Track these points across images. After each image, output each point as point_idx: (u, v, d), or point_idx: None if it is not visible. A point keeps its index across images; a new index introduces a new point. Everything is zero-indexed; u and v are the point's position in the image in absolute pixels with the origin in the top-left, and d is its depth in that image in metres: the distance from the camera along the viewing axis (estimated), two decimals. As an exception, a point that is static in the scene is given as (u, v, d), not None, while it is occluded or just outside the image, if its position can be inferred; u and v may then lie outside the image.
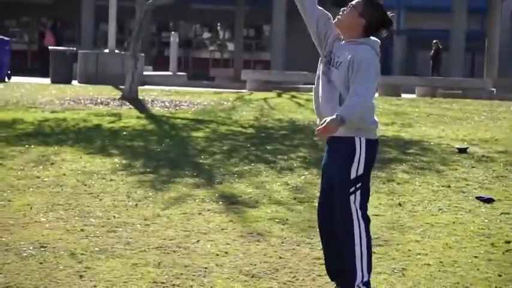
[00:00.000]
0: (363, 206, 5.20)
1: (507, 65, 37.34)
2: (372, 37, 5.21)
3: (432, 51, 34.65)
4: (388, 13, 5.21)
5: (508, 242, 6.91)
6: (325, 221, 5.42)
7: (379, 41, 5.25)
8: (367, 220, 5.22)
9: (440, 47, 33.86)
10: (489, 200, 8.53)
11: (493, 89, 27.63)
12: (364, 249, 5.17)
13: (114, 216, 7.62)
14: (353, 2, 5.21)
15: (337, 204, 5.23)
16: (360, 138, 5.12)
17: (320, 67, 5.29)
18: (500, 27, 39.41)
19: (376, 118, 5.26)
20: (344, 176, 5.14)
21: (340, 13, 5.25)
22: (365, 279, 5.18)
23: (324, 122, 4.89)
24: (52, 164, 10.14)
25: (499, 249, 6.71)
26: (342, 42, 5.23)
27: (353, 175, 5.13)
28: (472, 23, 42.56)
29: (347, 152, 5.13)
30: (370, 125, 5.17)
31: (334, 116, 4.88)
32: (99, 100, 17.50)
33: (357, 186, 5.14)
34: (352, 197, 5.15)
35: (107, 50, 26.16)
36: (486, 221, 7.72)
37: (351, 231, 5.16)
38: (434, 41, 34.36)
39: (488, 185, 9.38)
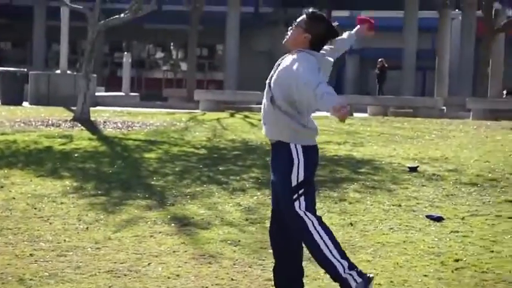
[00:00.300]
0: (310, 209, 5.24)
1: (457, 84, 37.81)
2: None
3: (377, 70, 35.02)
4: (334, 24, 5.28)
5: (457, 261, 6.98)
6: (277, 242, 5.45)
7: (327, 59, 5.29)
8: (318, 217, 5.26)
9: (386, 65, 34.24)
10: (439, 219, 8.62)
11: (444, 108, 27.97)
12: (328, 241, 5.21)
13: (64, 240, 7.55)
14: (297, 20, 5.29)
15: (285, 216, 5.25)
16: (295, 144, 5.19)
17: None
18: (450, 46, 39.95)
19: (314, 123, 5.26)
20: (285, 185, 5.21)
21: (288, 33, 5.31)
22: (345, 265, 5.21)
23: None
24: (1, 187, 10.02)
25: (449, 268, 6.77)
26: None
27: (294, 182, 5.20)
28: (423, 42, 43.10)
29: (284, 161, 5.20)
30: (305, 129, 5.18)
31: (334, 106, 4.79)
32: (50, 122, 17.36)
33: (300, 192, 5.20)
34: (296, 203, 5.21)
35: (58, 71, 26.00)
36: (436, 239, 7.79)
37: (308, 234, 5.20)
38: (379, 60, 34.72)
39: (438, 204, 9.48)
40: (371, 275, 5.25)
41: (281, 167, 5.22)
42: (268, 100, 5.23)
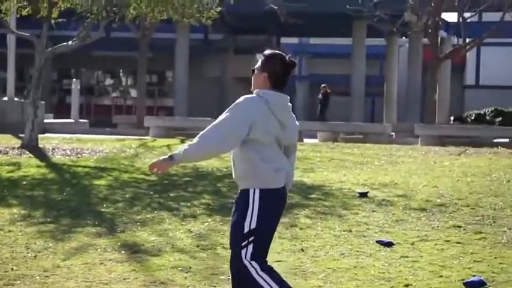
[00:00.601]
0: (256, 258, 5.09)
1: (405, 110, 38.27)
2: (277, 92, 5.23)
3: (320, 95, 35.31)
4: (288, 56, 5.32)
5: (407, 286, 7.02)
6: None
7: (280, 94, 5.26)
8: (267, 269, 5.13)
9: (328, 91, 34.56)
10: (389, 244, 8.68)
11: (392, 134, 28.25)
12: (274, 285, 5.07)
13: (12, 269, 7.43)
14: (255, 66, 5.36)
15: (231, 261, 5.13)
16: (254, 189, 5.09)
17: None
18: (398, 73, 40.45)
19: (276, 165, 5.12)
20: (237, 230, 5.11)
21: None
22: None
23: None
24: None
25: (399, 293, 6.81)
26: None
27: (246, 229, 5.09)
28: (372, 68, 43.57)
29: (242, 205, 5.10)
30: (265, 171, 5.06)
31: (167, 156, 5.05)
32: (-3, 149, 17.13)
33: (250, 240, 5.08)
34: (243, 251, 5.10)
35: (5, 98, 25.71)
36: (386, 264, 7.83)
37: (253, 282, 5.07)
38: (322, 85, 34.99)
39: (388, 229, 9.55)
40: None
41: (237, 212, 5.19)
42: None
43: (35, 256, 7.96)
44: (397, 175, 14.11)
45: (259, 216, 5.04)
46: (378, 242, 8.79)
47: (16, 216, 9.92)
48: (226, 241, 8.70)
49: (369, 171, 14.86)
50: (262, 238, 5.10)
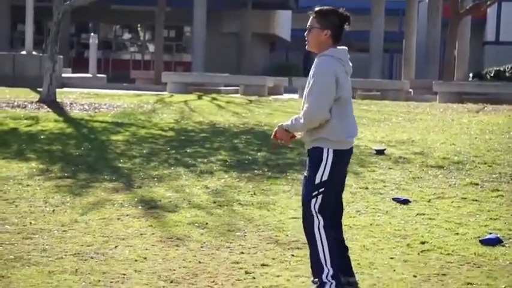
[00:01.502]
0: (322, 211, 5.37)
1: (424, 67, 38.00)
2: (338, 47, 5.38)
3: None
4: (340, 10, 5.39)
5: (423, 243, 7.03)
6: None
7: (344, 48, 5.40)
8: (327, 227, 5.38)
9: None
10: (405, 202, 8.68)
11: (411, 90, 28.11)
12: (325, 245, 5.35)
13: (30, 223, 7.50)
14: (309, 24, 5.39)
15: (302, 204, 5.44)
16: (328, 149, 5.33)
17: None
18: (417, 30, 40.12)
19: (348, 131, 5.37)
20: (310, 180, 5.38)
21: (306, 39, 5.42)
22: (330, 272, 5.36)
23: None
24: (-34, 169, 9.93)
25: (415, 250, 6.82)
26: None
27: (317, 180, 5.34)
28: (390, 24, 43.22)
29: (315, 161, 5.36)
30: (337, 137, 5.31)
31: (280, 124, 5.47)
32: (16, 103, 17.19)
33: (320, 191, 5.35)
34: (313, 200, 5.36)
35: (24, 52, 25.71)
36: (402, 222, 7.84)
37: (311, 231, 5.37)
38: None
39: (405, 186, 9.54)
40: None
41: (311, 165, 5.44)
42: None
43: (53, 210, 8.01)
44: (415, 132, 14.06)
45: (331, 170, 5.33)
46: (394, 199, 8.79)
47: (34, 170, 9.98)
48: (243, 197, 8.76)
49: (386, 128, 14.82)
50: (331, 191, 5.38)
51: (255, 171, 10.24)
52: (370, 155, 11.59)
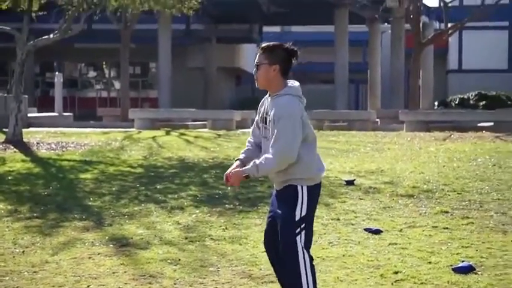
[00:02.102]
0: (307, 247, 5.34)
1: (389, 96, 38.33)
2: (293, 84, 5.35)
3: None
4: (287, 45, 5.36)
5: (396, 273, 7.04)
6: (270, 248, 5.52)
7: (297, 84, 5.38)
8: (313, 267, 5.37)
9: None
10: (377, 232, 8.69)
11: (377, 120, 28.31)
12: (311, 284, 5.31)
13: (0, 265, 7.40)
14: (256, 60, 5.35)
15: (282, 244, 5.33)
16: (301, 186, 5.31)
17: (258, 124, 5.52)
18: (381, 59, 40.50)
19: (318, 166, 5.35)
20: (288, 219, 5.29)
21: (255, 77, 5.38)
22: None
23: (231, 171, 5.27)
24: None
25: (388, 280, 6.82)
26: (269, 98, 5.39)
27: (297, 217, 5.29)
28: (355, 55, 43.60)
29: (290, 199, 5.31)
30: (309, 174, 5.31)
31: (241, 170, 5.25)
32: (-18, 144, 17.05)
33: (302, 227, 5.30)
34: (298, 238, 5.30)
35: (-12, 92, 25.56)
36: (375, 252, 7.85)
37: (298, 271, 5.29)
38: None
39: (376, 216, 9.56)
40: None
41: (287, 203, 5.35)
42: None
43: (23, 252, 7.92)
44: (383, 162, 14.14)
45: (308, 205, 5.30)
46: (366, 229, 8.80)
47: (2, 211, 9.88)
48: (215, 232, 8.72)
49: (355, 158, 14.89)
50: (310, 225, 5.37)
51: (226, 205, 10.22)
52: (340, 185, 11.61)
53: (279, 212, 5.34)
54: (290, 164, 5.24)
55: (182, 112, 27.95)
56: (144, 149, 16.55)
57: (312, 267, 5.35)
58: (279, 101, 5.26)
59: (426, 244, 8.15)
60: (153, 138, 19.16)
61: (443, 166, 13.38)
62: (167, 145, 17.39)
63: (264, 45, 5.36)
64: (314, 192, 5.38)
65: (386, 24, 42.00)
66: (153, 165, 13.85)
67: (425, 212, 9.77)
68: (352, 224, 9.12)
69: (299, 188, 5.30)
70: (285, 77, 5.34)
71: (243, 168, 5.28)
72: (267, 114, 5.37)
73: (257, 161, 5.24)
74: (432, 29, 38.75)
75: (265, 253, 7.73)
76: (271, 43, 5.37)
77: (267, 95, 5.43)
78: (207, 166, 13.75)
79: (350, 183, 11.70)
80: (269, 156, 5.22)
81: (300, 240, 5.29)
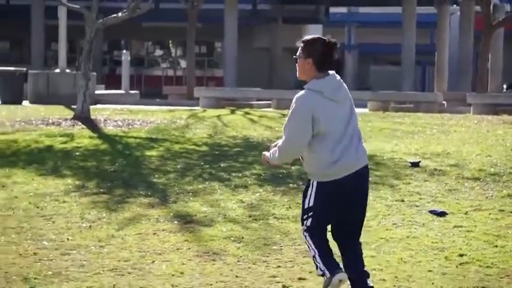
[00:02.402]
0: (310, 230, 5.56)
1: (456, 79, 37.78)
2: (325, 77, 5.44)
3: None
4: (327, 37, 5.48)
5: (461, 255, 6.97)
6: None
7: (328, 78, 5.45)
8: (312, 233, 5.57)
9: (341, 60, 34.19)
10: (442, 214, 8.61)
11: (444, 102, 27.95)
12: (317, 256, 5.53)
13: (67, 239, 7.54)
14: (297, 53, 5.52)
15: None
16: (313, 181, 5.55)
17: None
18: (449, 41, 39.93)
19: (335, 160, 5.43)
20: (302, 205, 5.63)
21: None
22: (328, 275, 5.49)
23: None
24: (3, 186, 10.01)
25: (453, 263, 6.76)
26: None
27: (305, 206, 5.57)
28: (422, 37, 43.05)
29: (305, 188, 5.63)
30: (320, 171, 5.48)
31: (265, 153, 5.71)
32: (50, 120, 17.33)
33: (309, 214, 5.55)
34: (304, 222, 5.58)
35: (58, 70, 25.94)
36: (440, 234, 7.78)
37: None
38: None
39: (441, 199, 9.46)
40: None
41: (303, 193, 5.70)
42: None
43: (90, 226, 8.05)
44: (450, 144, 13.96)
45: (315, 198, 5.53)
46: (430, 211, 8.73)
47: (70, 186, 10.05)
48: (278, 211, 8.74)
49: (421, 140, 14.74)
50: (318, 216, 5.54)
51: (290, 184, 10.22)
52: (405, 167, 11.52)
53: None
54: (304, 158, 5.53)
55: (247, 91, 27.98)
56: (208, 127, 16.63)
57: (313, 236, 5.55)
58: (297, 94, 5.49)
59: (492, 227, 8.05)
60: (218, 117, 19.24)
61: (511, 149, 13.16)
62: (232, 124, 17.45)
63: (303, 39, 5.52)
64: (329, 188, 5.48)
65: (455, 6, 41.35)
66: (218, 144, 13.91)
67: (491, 195, 9.64)
68: (417, 206, 9.05)
69: (311, 181, 5.58)
70: (320, 70, 5.45)
71: (266, 152, 5.70)
72: None
73: (273, 149, 5.65)
74: (503, 11, 38.00)
75: (328, 232, 7.74)
76: (310, 36, 5.51)
77: None
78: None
79: (415, 165, 11.59)
80: (279, 144, 5.59)
81: (305, 224, 5.58)
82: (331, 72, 5.50)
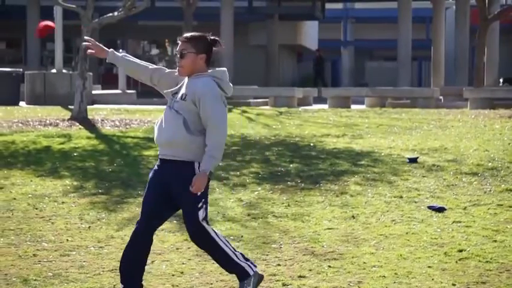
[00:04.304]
0: (206, 216, 5.68)
1: (453, 73, 37.80)
2: (217, 69, 5.65)
3: (313, 61, 35.09)
4: (208, 35, 5.63)
5: (460, 251, 6.98)
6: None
7: (223, 69, 5.68)
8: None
9: (322, 55, 34.17)
10: (441, 209, 8.62)
11: (441, 98, 27.96)
12: (232, 248, 5.68)
13: (67, 240, 7.54)
14: (181, 48, 5.60)
15: (186, 220, 5.66)
16: (198, 162, 5.56)
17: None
18: (445, 36, 39.94)
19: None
20: (192, 196, 5.52)
21: (178, 63, 5.62)
22: (253, 268, 5.67)
23: (195, 181, 5.46)
24: (1, 188, 10.01)
25: (452, 258, 6.77)
26: (187, 78, 5.64)
27: (205, 195, 5.62)
28: (418, 32, 43.06)
29: (188, 176, 5.52)
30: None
31: (200, 172, 5.48)
32: (48, 121, 17.33)
33: (203, 201, 5.61)
34: (200, 212, 5.62)
35: (54, 70, 25.92)
36: (438, 230, 7.79)
37: (210, 240, 5.66)
38: (316, 49, 34.77)
39: (440, 194, 9.48)
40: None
41: (185, 181, 5.56)
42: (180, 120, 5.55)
43: (89, 227, 8.05)
44: (447, 140, 13.98)
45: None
46: (429, 207, 8.74)
47: (68, 187, 10.05)
48: (277, 209, 8.75)
49: (418, 136, 14.75)
50: (207, 197, 5.72)
51: (288, 182, 10.23)
52: (403, 163, 11.53)
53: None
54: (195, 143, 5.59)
55: (244, 89, 27.98)
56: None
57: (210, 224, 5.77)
58: (201, 82, 5.54)
59: (491, 222, 8.06)
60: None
61: (509, 144, 13.18)
62: (229, 122, 17.36)
63: (189, 35, 5.63)
64: None
65: (450, 0, 41.35)
66: (216, 142, 13.91)
67: (490, 190, 9.65)
68: (415, 202, 9.06)
69: (196, 165, 5.61)
70: (208, 66, 5.62)
71: (205, 169, 5.52)
72: (180, 89, 5.62)
73: (207, 156, 5.51)
74: (498, 4, 38.01)
75: (328, 230, 7.76)
76: (196, 33, 5.64)
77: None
78: (269, 143, 13.77)
79: (413, 160, 11.61)
80: (209, 149, 5.55)
81: (204, 215, 5.73)
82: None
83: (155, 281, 6.20)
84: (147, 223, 5.60)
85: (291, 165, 11.44)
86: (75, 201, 9.26)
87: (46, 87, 25.28)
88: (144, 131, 15.66)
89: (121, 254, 6.98)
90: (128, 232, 7.77)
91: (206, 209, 5.65)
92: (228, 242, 5.72)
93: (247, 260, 5.72)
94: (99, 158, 12.29)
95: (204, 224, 5.62)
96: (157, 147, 5.86)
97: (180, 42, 5.62)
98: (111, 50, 5.80)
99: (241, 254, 5.74)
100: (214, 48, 5.62)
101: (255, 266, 5.74)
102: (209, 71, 5.60)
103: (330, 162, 11.61)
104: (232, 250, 5.67)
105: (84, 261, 6.78)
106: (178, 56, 5.56)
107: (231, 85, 5.73)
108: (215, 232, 5.68)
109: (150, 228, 5.62)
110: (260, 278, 5.75)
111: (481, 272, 6.37)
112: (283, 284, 6.10)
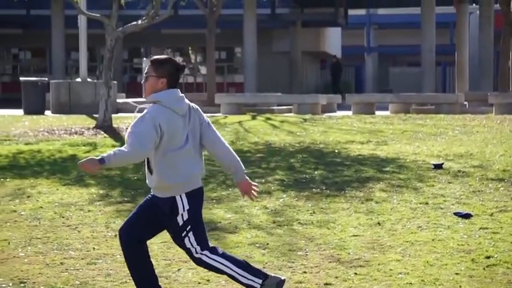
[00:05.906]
0: (200, 242, 5.61)
1: (477, 79, 37.61)
2: (164, 92, 5.60)
3: (330, 66, 34.96)
4: (176, 58, 5.56)
5: (488, 258, 6.94)
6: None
7: (173, 92, 5.65)
8: (211, 249, 5.63)
9: (339, 61, 34.04)
10: (467, 216, 8.57)
11: (465, 103, 27.82)
12: (236, 269, 5.55)
13: (93, 248, 7.57)
14: (146, 71, 5.61)
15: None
16: (180, 196, 5.62)
17: None
18: (468, 41, 39.76)
19: (190, 170, 5.85)
20: (175, 226, 5.61)
21: (143, 87, 5.65)
22: (258, 281, 5.53)
23: (85, 160, 5.41)
24: (28, 197, 10.07)
25: (480, 265, 6.73)
26: None
27: (180, 222, 5.60)
28: (442, 37, 42.89)
29: (171, 209, 5.60)
30: (179, 182, 5.65)
31: (96, 157, 5.42)
32: (73, 130, 17.43)
33: (187, 229, 5.60)
34: (186, 240, 5.60)
35: (79, 79, 26.08)
36: (465, 236, 7.75)
37: (212, 268, 5.61)
38: (333, 55, 34.68)
39: (466, 200, 9.43)
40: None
41: (168, 214, 5.70)
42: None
43: (115, 235, 8.08)
44: (472, 145, 13.91)
45: (189, 209, 5.70)
46: (455, 214, 8.69)
47: (95, 196, 10.10)
48: (302, 217, 8.75)
49: (443, 142, 14.69)
50: (198, 223, 5.73)
51: (313, 189, 10.22)
52: (428, 169, 11.48)
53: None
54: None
55: (268, 97, 28.00)
56: (230, 133, 16.66)
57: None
58: (148, 109, 5.54)
59: (518, 229, 8.00)
60: (239, 123, 19.28)
61: (535, 149, 13.10)
62: (253, 130, 17.47)
63: (153, 58, 5.62)
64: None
65: (474, 5, 41.17)
66: (240, 150, 13.93)
67: (516, 196, 9.58)
68: (441, 208, 9.02)
69: (177, 198, 5.67)
70: (171, 87, 5.60)
71: (102, 155, 5.45)
72: None
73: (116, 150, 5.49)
74: (522, 9, 37.79)
75: (353, 237, 7.74)
76: (161, 57, 5.63)
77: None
78: (294, 150, 13.77)
79: (438, 166, 11.56)
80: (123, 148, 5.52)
81: (189, 241, 5.66)
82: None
83: (181, 289, 6.21)
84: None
85: (316, 172, 11.42)
86: (101, 210, 9.30)
87: (71, 96, 25.44)
88: (169, 139, 15.72)
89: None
90: (153, 240, 7.79)
91: (196, 235, 5.61)
92: (234, 261, 5.61)
93: (254, 274, 5.58)
94: (124, 167, 12.33)
95: (204, 257, 5.60)
96: None
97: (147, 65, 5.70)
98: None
99: (246, 266, 5.60)
100: (178, 73, 5.64)
101: (264, 276, 5.58)
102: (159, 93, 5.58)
103: (354, 168, 11.59)
104: (237, 272, 5.56)
105: (110, 270, 6.80)
106: (144, 79, 5.62)
107: (182, 102, 5.70)
108: (219, 256, 5.62)
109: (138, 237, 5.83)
110: (275, 280, 5.59)
111: (509, 279, 6.32)
112: (310, 292, 6.09)
